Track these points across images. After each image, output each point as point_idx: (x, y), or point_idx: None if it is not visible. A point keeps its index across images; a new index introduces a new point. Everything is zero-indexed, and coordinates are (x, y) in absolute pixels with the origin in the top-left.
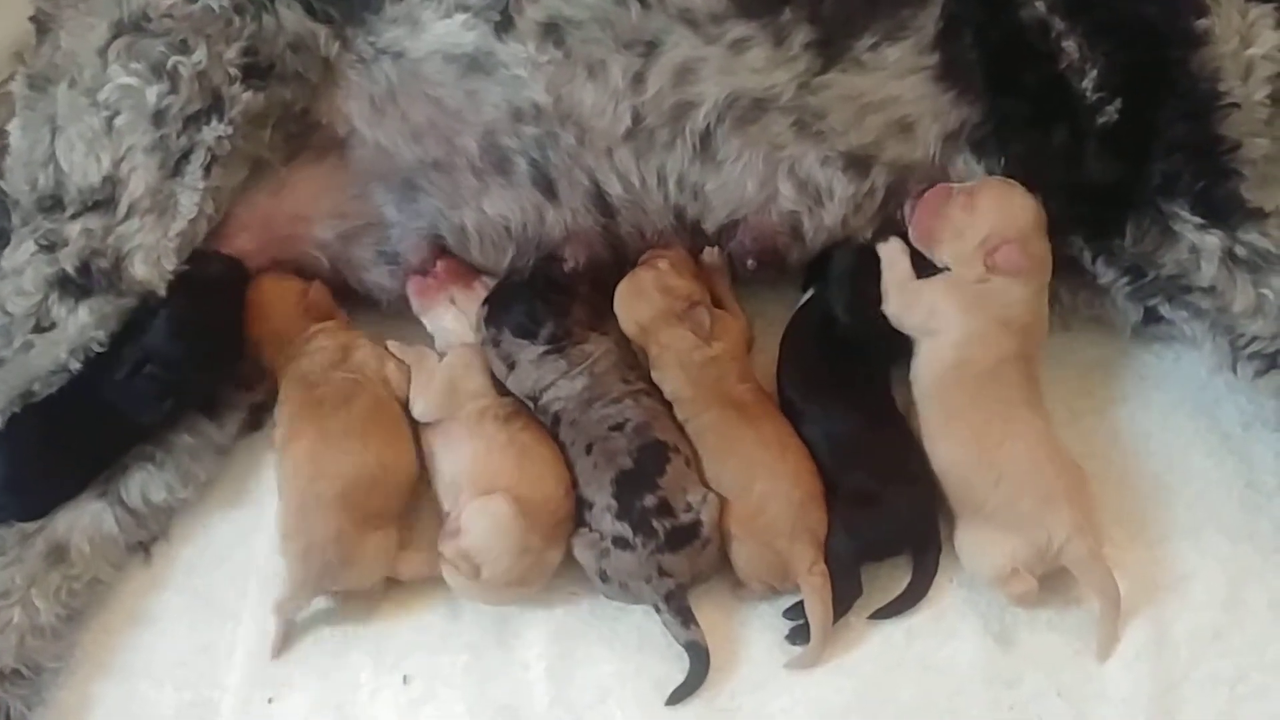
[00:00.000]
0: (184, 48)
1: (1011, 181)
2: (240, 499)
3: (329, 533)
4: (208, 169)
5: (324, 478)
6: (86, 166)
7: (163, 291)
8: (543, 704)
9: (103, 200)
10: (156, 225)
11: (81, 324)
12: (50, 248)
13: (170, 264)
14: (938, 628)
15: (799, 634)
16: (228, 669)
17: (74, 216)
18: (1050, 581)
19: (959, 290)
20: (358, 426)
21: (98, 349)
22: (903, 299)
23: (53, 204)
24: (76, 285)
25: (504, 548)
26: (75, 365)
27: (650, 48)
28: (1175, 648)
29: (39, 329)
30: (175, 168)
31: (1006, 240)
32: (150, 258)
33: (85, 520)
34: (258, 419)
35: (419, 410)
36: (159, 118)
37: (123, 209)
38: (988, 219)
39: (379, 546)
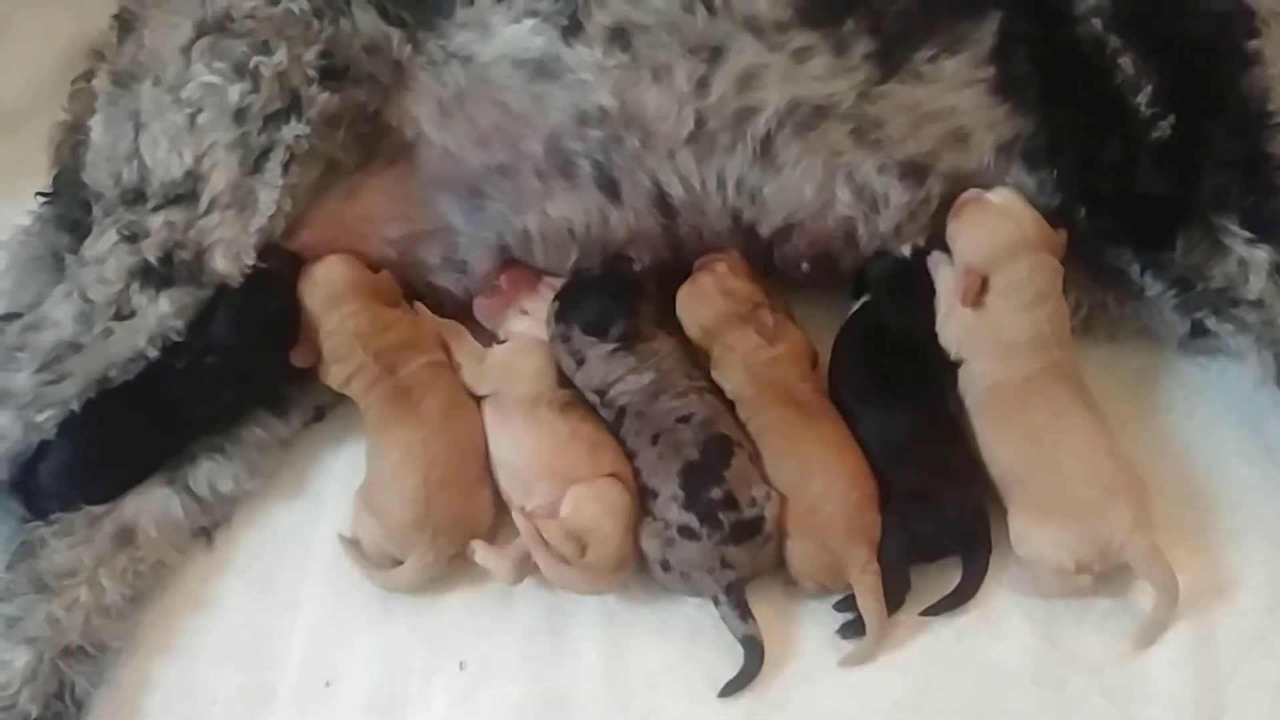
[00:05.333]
0: (265, 48)
1: (994, 198)
2: (301, 489)
3: (455, 512)
4: (286, 167)
5: (439, 462)
6: (169, 161)
7: (236, 282)
8: (595, 691)
9: (184, 194)
10: (237, 220)
11: (161, 313)
12: (132, 238)
13: (249, 258)
14: (986, 628)
15: (850, 629)
16: (286, 653)
17: (156, 209)
18: (1098, 583)
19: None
20: (447, 405)
21: (175, 338)
22: (941, 329)
23: (135, 197)
24: (159, 275)
25: (616, 527)
26: (153, 353)
27: (715, 53)
28: (1219, 650)
29: (119, 316)
30: (255, 165)
31: (969, 268)
32: (230, 252)
33: (153, 505)
34: (322, 414)
35: (471, 376)
36: (240, 116)
37: (204, 203)
38: (958, 246)
39: (489, 502)
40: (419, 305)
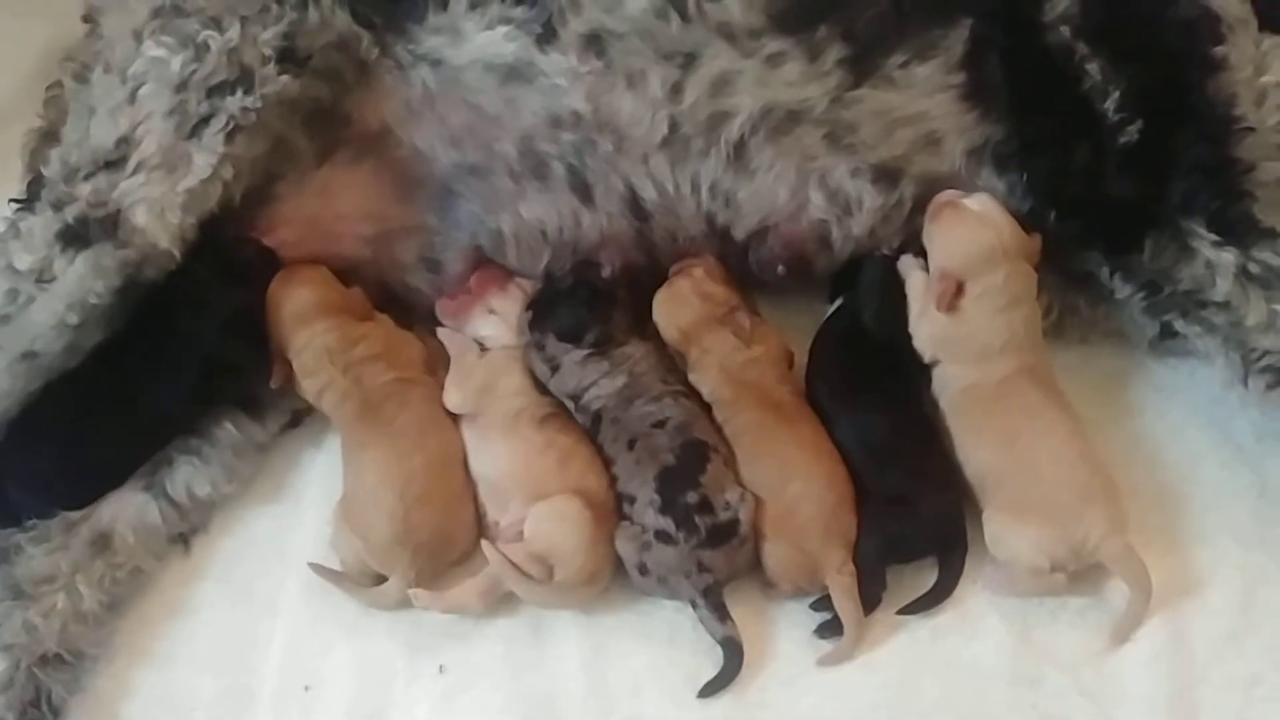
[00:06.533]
0: (216, 25)
1: (973, 204)
2: (279, 494)
3: (435, 528)
4: (230, 135)
5: (415, 478)
6: (106, 132)
7: (165, 243)
8: (578, 695)
9: (114, 160)
10: (165, 180)
11: (79, 274)
12: (59, 207)
13: (175, 218)
14: (962, 627)
15: (827, 629)
16: (265, 658)
17: (86, 178)
18: (1072, 582)
19: (940, 320)
20: (422, 421)
21: (95, 301)
22: (914, 332)
23: (72, 173)
24: (76, 235)
25: (577, 546)
26: (73, 320)
27: (689, 59)
28: (1192, 650)
29: (40, 281)
30: (192, 130)
31: (945, 273)
32: (154, 210)
33: (130, 511)
34: (298, 419)
35: (453, 401)
36: (181, 86)
37: (131, 166)
38: (934, 249)
39: (471, 518)
40: (437, 331)
